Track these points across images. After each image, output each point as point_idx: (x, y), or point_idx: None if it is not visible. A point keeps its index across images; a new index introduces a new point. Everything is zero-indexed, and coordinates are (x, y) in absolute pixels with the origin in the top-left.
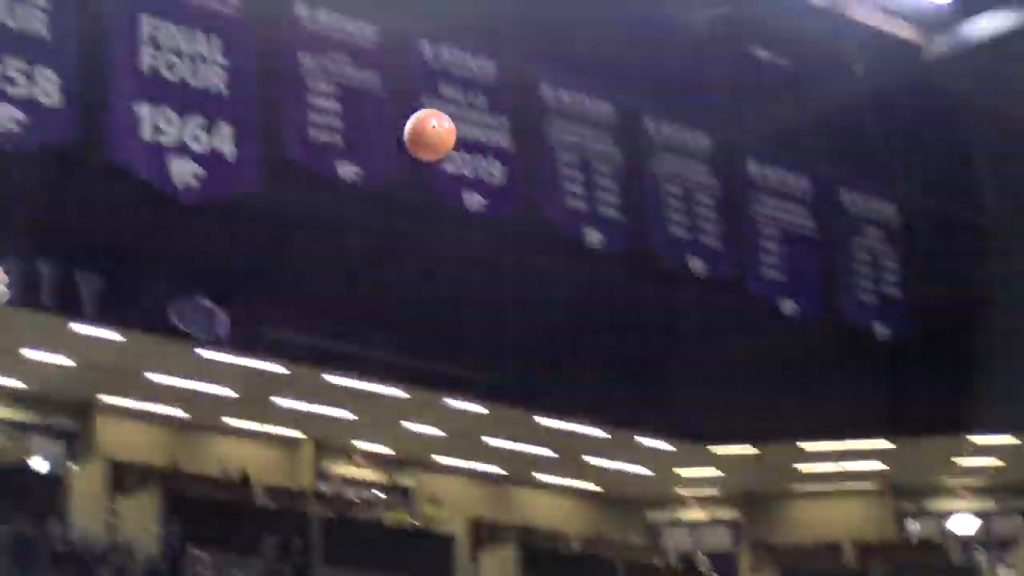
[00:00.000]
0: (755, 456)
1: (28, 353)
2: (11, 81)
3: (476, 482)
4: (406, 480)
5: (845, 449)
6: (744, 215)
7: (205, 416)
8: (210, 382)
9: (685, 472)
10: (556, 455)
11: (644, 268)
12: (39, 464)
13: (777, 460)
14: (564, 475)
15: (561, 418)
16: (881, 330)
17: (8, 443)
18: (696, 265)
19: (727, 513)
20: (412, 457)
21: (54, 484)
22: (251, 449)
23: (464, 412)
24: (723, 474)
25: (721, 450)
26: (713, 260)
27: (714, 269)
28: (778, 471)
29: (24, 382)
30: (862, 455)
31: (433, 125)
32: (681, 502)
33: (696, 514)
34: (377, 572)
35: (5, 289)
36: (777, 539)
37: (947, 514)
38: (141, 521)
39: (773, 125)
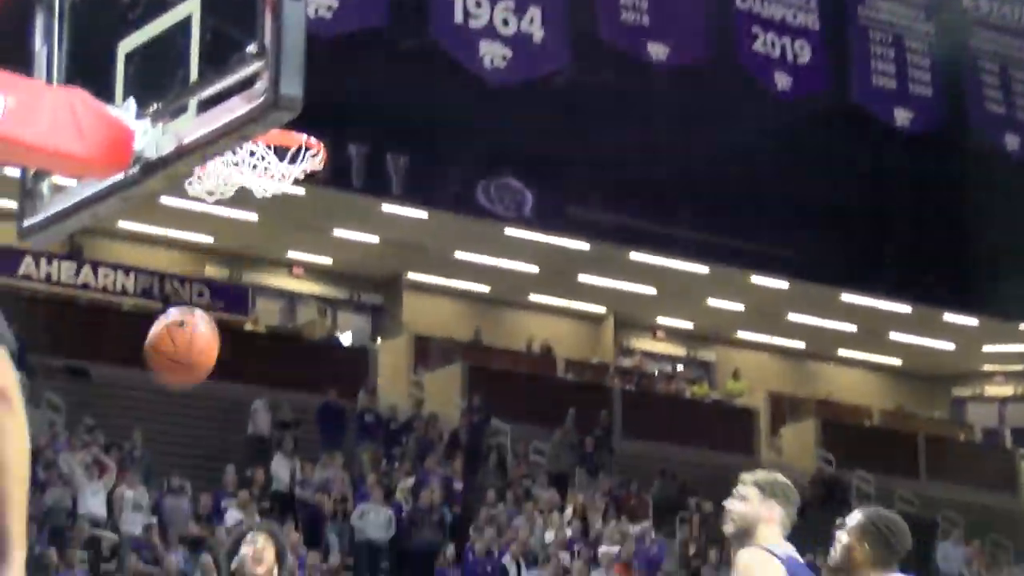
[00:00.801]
0: None
1: (338, 232)
2: None
3: (777, 357)
4: (707, 355)
5: None
6: None
7: (508, 292)
8: (514, 259)
9: (991, 348)
10: (858, 331)
11: (952, 149)
12: (347, 338)
13: None
14: (866, 350)
15: (865, 294)
16: None
17: (319, 318)
18: (1013, 143)
19: None
20: (713, 332)
21: (361, 357)
22: (554, 324)
23: (767, 288)
24: None
25: None
26: None
27: None
28: None
29: (334, 260)
30: None
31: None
32: (987, 378)
33: (1002, 389)
34: (677, 445)
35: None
36: None
37: None
38: (445, 393)
39: None
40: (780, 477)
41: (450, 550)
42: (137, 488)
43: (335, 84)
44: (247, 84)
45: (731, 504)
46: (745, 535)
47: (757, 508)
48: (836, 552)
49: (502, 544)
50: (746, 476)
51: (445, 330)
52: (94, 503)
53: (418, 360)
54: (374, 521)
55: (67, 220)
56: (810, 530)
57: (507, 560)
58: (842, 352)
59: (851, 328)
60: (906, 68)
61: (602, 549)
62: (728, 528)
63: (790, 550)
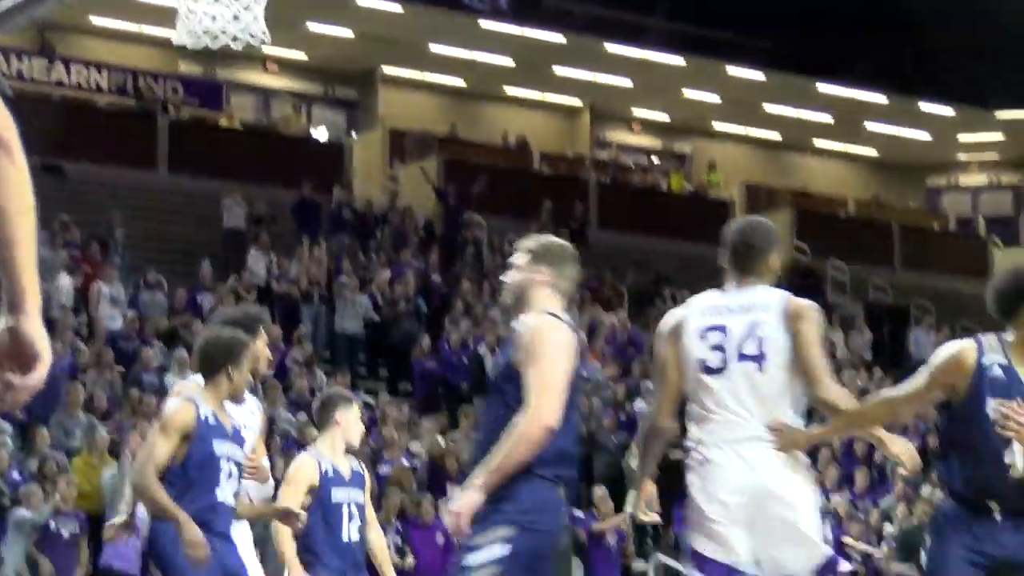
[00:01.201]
0: None
1: (312, 26)
2: None
3: (753, 148)
4: (683, 147)
5: None
6: None
7: (484, 85)
8: (489, 52)
9: (967, 137)
10: (835, 121)
11: None
12: (322, 133)
13: None
14: (842, 141)
15: (841, 84)
16: None
17: (293, 113)
18: None
19: (1009, 178)
20: (689, 124)
21: (336, 152)
22: (530, 117)
23: (743, 79)
24: (1005, 139)
25: (1005, 115)
26: None
27: None
28: None
29: (308, 55)
30: None
31: None
32: (961, 167)
33: (976, 179)
34: (652, 236)
35: None
36: None
37: None
38: (419, 187)
39: None
40: (555, 240)
41: (426, 341)
42: (113, 284)
43: None
44: None
45: (506, 276)
46: (521, 303)
47: (528, 274)
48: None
49: (477, 335)
50: (520, 243)
51: (420, 124)
52: (69, 298)
53: (393, 154)
54: (350, 313)
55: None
56: None
57: (482, 350)
58: (818, 143)
59: (827, 119)
60: None
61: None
62: (505, 299)
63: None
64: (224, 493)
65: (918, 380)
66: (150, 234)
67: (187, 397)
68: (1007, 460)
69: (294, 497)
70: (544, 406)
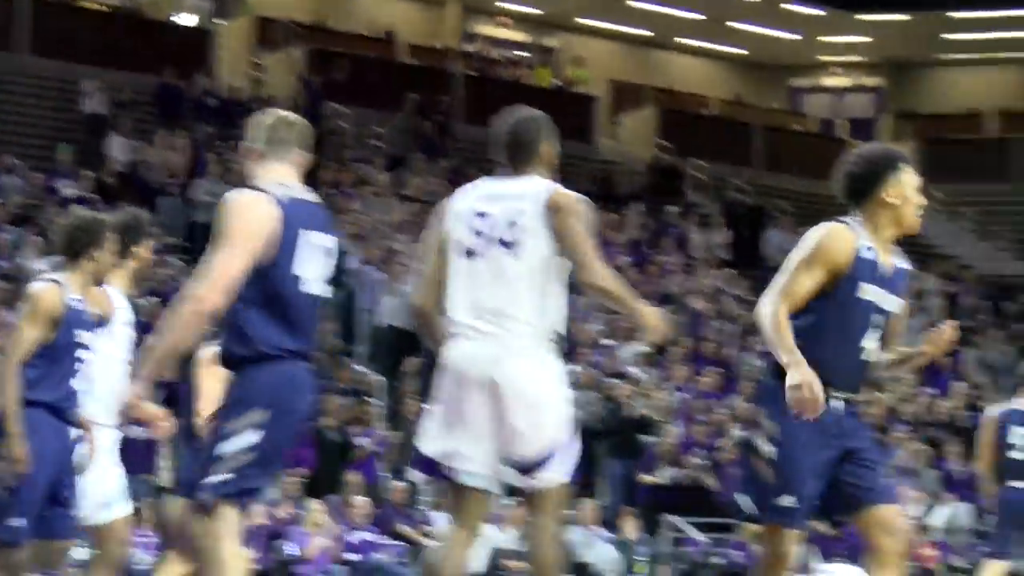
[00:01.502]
0: (903, 23)
1: None
2: None
3: (620, 45)
4: (551, 41)
5: (996, 16)
6: None
7: None
8: None
9: (831, 38)
10: (704, 19)
11: None
12: (187, 18)
13: (926, 29)
14: (707, 39)
15: None
16: None
17: None
18: None
19: (871, 80)
20: (558, 18)
21: (201, 38)
22: (397, 8)
23: None
24: (869, 41)
25: (869, 16)
26: None
27: None
28: (926, 39)
29: None
30: (1014, 23)
31: None
32: (825, 68)
33: (839, 80)
34: None
35: None
36: (919, 107)
37: None
38: (284, 76)
39: None
40: (274, 114)
41: None
42: None
43: None
44: None
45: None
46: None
47: (248, 150)
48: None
49: (338, 226)
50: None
51: (287, 12)
52: None
53: (259, 42)
54: (212, 202)
55: None
56: (652, 217)
57: (341, 241)
58: (685, 41)
59: (697, 16)
60: None
61: None
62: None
63: (296, 192)
64: (83, 381)
65: (796, 268)
66: (5, 117)
67: (50, 280)
68: (863, 344)
69: None
70: (202, 287)
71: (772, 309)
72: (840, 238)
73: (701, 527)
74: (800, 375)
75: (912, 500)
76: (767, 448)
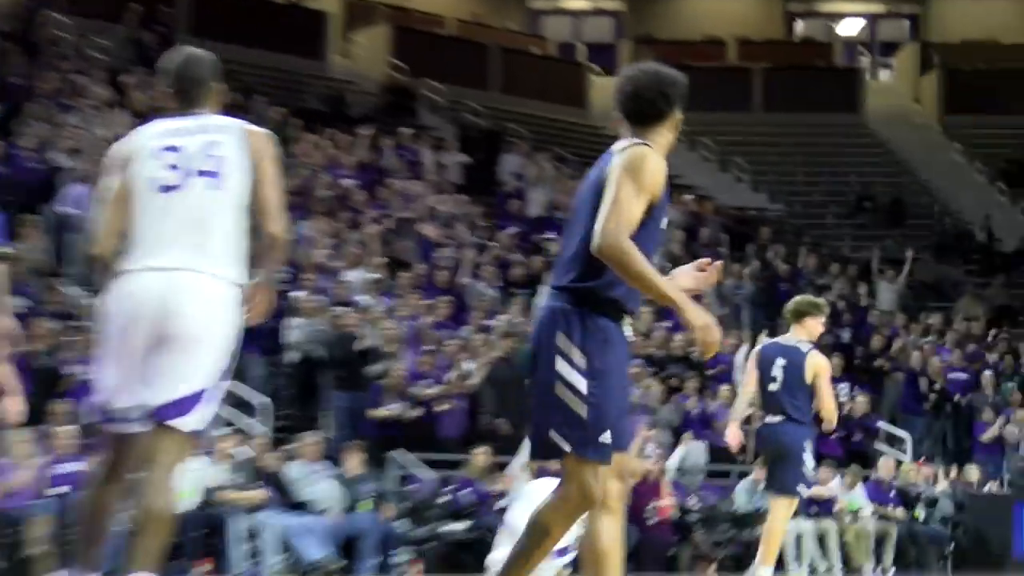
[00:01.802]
0: None
1: None
2: None
3: None
4: None
5: None
6: None
7: None
8: None
9: None
10: None
11: None
12: None
13: None
14: None
15: None
16: None
17: None
18: None
19: (610, 4)
20: None
21: None
22: None
23: None
24: None
25: None
26: None
27: None
28: None
29: None
30: None
31: None
32: None
33: (578, 3)
34: (244, 47)
35: None
36: (659, 32)
37: (835, 15)
38: None
39: None
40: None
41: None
42: None
43: None
44: None
45: None
46: None
47: None
48: None
49: (54, 140)
50: None
51: None
52: None
53: None
54: None
55: None
56: (384, 138)
57: (59, 156)
58: None
59: None
60: None
61: None
62: None
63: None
64: None
65: (629, 195)
66: None
67: None
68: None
69: None
70: None
71: (629, 244)
72: (661, 165)
73: (429, 463)
74: (702, 315)
75: (649, 438)
76: (582, 382)
